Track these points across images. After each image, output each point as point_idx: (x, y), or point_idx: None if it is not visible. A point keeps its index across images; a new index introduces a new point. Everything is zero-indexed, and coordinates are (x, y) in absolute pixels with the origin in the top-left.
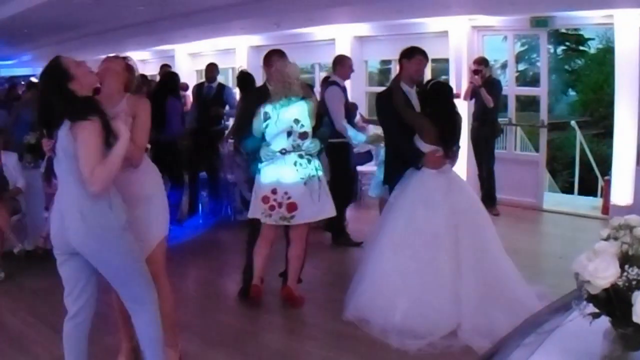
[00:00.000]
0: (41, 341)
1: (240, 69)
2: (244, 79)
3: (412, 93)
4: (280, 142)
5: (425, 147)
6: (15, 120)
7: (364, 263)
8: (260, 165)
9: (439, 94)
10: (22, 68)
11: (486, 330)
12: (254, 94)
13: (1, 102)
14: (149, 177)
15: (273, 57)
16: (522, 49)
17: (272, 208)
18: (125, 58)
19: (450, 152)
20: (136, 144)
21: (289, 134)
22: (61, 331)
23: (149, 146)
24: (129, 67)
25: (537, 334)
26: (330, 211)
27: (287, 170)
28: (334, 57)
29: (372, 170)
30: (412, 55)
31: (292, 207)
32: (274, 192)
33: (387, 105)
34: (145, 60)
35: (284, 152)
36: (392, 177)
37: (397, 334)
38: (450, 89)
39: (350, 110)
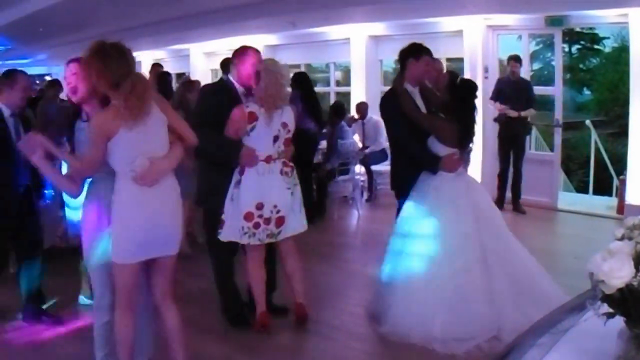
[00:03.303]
0: (56, 338)
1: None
2: (297, 78)
3: (415, 93)
4: (266, 149)
5: (442, 149)
6: (43, 118)
7: (391, 276)
8: (239, 177)
9: (471, 93)
10: (37, 67)
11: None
12: (219, 91)
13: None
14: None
15: (248, 53)
16: (537, 48)
17: (256, 226)
18: None
19: (466, 153)
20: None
21: (275, 139)
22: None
23: None
24: None
25: (552, 334)
26: (304, 225)
27: (273, 181)
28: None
29: (387, 169)
30: (420, 55)
31: (280, 221)
32: (259, 207)
33: (394, 108)
34: (161, 59)
35: (269, 160)
36: (401, 182)
37: (440, 342)
38: (476, 86)
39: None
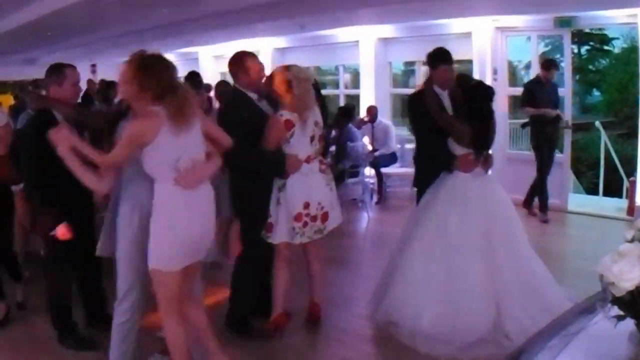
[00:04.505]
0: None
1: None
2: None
3: (444, 95)
4: (306, 150)
5: (458, 150)
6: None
7: (394, 266)
8: (282, 181)
9: (484, 96)
10: (42, 70)
11: (532, 332)
12: (241, 104)
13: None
14: None
15: (250, 60)
16: (546, 49)
17: (305, 225)
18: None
19: (482, 155)
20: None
21: (312, 139)
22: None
23: None
24: None
25: (562, 337)
26: (341, 217)
27: (315, 179)
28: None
29: (397, 172)
30: (436, 66)
31: (325, 217)
32: (306, 206)
33: (419, 107)
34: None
35: (309, 160)
36: (422, 179)
37: (425, 338)
38: (493, 92)
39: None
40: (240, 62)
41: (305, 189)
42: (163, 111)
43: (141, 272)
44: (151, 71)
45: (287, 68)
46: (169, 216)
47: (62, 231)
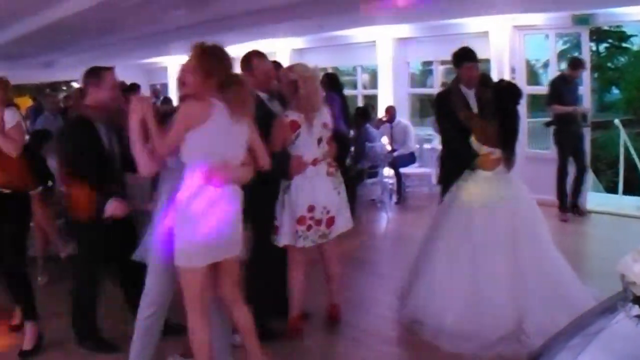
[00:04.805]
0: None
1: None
2: (331, 78)
3: (470, 95)
4: (312, 153)
5: (480, 148)
6: None
7: (418, 265)
8: (287, 183)
9: (510, 95)
10: (62, 73)
11: (551, 333)
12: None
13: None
14: None
15: (257, 59)
16: (564, 47)
17: (309, 228)
18: None
19: (508, 155)
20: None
21: (319, 141)
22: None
23: None
24: None
25: (583, 336)
26: (350, 222)
27: (321, 182)
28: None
29: (415, 172)
30: (460, 64)
31: (330, 221)
32: (310, 209)
33: (445, 105)
34: None
35: (315, 162)
36: (446, 176)
37: (449, 336)
38: (520, 91)
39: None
40: (247, 61)
41: (310, 192)
42: (220, 103)
43: (168, 267)
44: (216, 58)
45: (292, 67)
46: (195, 211)
47: (114, 206)
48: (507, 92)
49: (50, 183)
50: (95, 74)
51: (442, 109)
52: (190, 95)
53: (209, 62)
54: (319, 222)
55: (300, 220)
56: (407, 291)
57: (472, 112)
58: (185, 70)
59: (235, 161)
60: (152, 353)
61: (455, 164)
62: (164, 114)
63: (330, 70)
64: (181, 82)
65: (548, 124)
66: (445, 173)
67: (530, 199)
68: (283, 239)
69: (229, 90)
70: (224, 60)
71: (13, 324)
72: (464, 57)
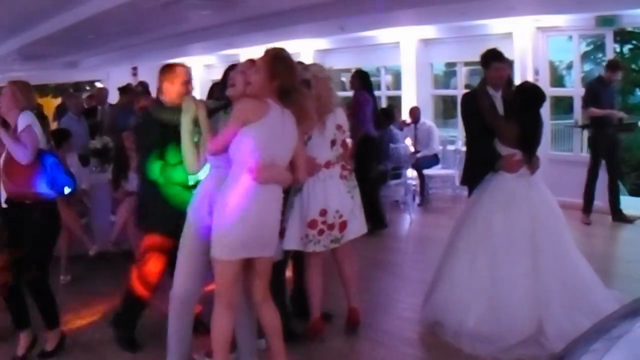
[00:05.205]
0: (108, 343)
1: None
2: (362, 77)
3: (496, 97)
4: (325, 155)
5: (503, 150)
6: (111, 123)
7: (441, 266)
8: (299, 185)
9: (533, 97)
10: (86, 73)
11: (571, 336)
12: None
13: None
14: None
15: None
16: (588, 48)
17: (320, 232)
18: None
19: (530, 157)
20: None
21: (333, 143)
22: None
23: None
24: None
25: (605, 340)
26: (364, 227)
27: (334, 186)
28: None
29: (439, 173)
30: (489, 64)
31: (343, 226)
32: (322, 213)
33: (471, 106)
34: (211, 65)
35: (328, 165)
36: (470, 178)
37: (469, 338)
38: (543, 93)
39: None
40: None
41: (323, 196)
42: (277, 105)
43: (200, 261)
44: (283, 63)
45: (307, 67)
46: (236, 205)
47: None
48: (530, 94)
49: (68, 190)
50: (169, 70)
51: (467, 110)
52: (242, 96)
53: (277, 66)
54: (331, 227)
55: (312, 224)
56: (430, 292)
57: (497, 113)
58: (243, 70)
59: (282, 163)
60: (189, 346)
61: (479, 166)
62: (210, 110)
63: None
64: (231, 83)
65: (583, 127)
66: (469, 174)
67: (552, 201)
68: (290, 243)
69: (291, 98)
70: (292, 68)
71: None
72: (493, 57)
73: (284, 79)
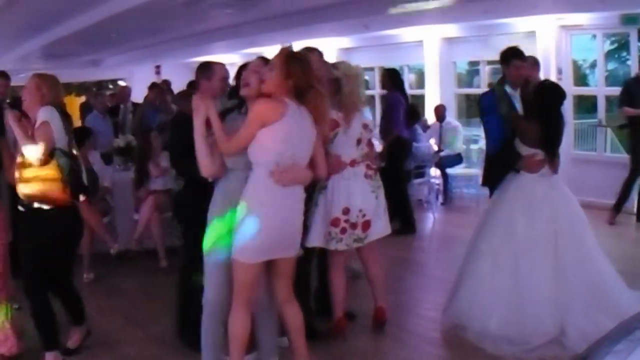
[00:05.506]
0: (131, 342)
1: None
2: (393, 76)
3: (515, 96)
4: (350, 153)
5: (524, 150)
6: (139, 121)
7: (463, 269)
8: (323, 182)
9: (554, 95)
10: (109, 72)
11: (594, 338)
12: None
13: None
14: None
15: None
16: (612, 47)
17: (343, 231)
18: None
19: (552, 157)
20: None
21: (359, 142)
22: (151, 332)
23: None
24: None
25: (629, 341)
26: (388, 228)
27: (358, 185)
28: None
29: (462, 172)
30: (509, 61)
31: (366, 225)
32: (345, 212)
33: (489, 106)
34: (234, 64)
35: (353, 164)
36: (491, 178)
37: (492, 340)
38: (564, 92)
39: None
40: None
41: (346, 194)
42: (293, 104)
43: (224, 269)
44: (298, 62)
45: (336, 65)
46: (259, 207)
47: None
48: (551, 92)
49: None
50: (207, 68)
51: (486, 109)
52: (256, 95)
53: (292, 64)
54: (354, 226)
55: (334, 222)
56: (452, 295)
57: (516, 112)
58: (255, 69)
59: (302, 162)
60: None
61: (499, 166)
62: (225, 110)
63: (376, 70)
64: (245, 83)
65: (621, 127)
66: (489, 175)
67: (574, 201)
68: (313, 240)
69: (306, 97)
70: (307, 67)
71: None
72: (514, 55)
73: (299, 77)
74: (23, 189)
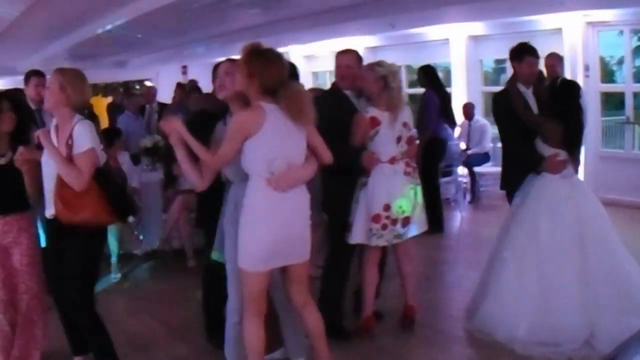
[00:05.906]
0: (158, 341)
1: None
2: (428, 72)
3: (528, 94)
4: (390, 151)
5: (546, 150)
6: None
7: (487, 274)
8: (365, 179)
9: (572, 94)
10: (136, 72)
11: (622, 338)
12: (330, 99)
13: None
14: None
15: (336, 56)
16: (639, 43)
17: (384, 227)
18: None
19: (575, 155)
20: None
21: (399, 140)
22: (178, 331)
23: None
24: None
25: None
26: (426, 224)
27: (398, 182)
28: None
29: (490, 171)
30: (522, 57)
31: (406, 221)
32: (386, 208)
33: (504, 106)
34: None
35: (393, 161)
36: (510, 181)
37: (522, 343)
38: (577, 85)
39: None
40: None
41: (386, 191)
42: (270, 106)
43: None
44: (261, 58)
45: (379, 64)
46: (259, 217)
47: None
48: (565, 88)
49: (131, 218)
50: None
51: (501, 111)
52: (234, 96)
53: (253, 63)
54: (394, 222)
55: (376, 218)
56: (477, 302)
57: (533, 112)
58: (227, 71)
59: (298, 161)
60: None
61: (516, 168)
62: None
63: (403, 69)
64: (220, 86)
65: None
66: (507, 176)
67: (596, 200)
68: (355, 237)
69: (278, 94)
70: (270, 63)
71: None
72: (528, 51)
73: (262, 75)
74: (64, 215)
